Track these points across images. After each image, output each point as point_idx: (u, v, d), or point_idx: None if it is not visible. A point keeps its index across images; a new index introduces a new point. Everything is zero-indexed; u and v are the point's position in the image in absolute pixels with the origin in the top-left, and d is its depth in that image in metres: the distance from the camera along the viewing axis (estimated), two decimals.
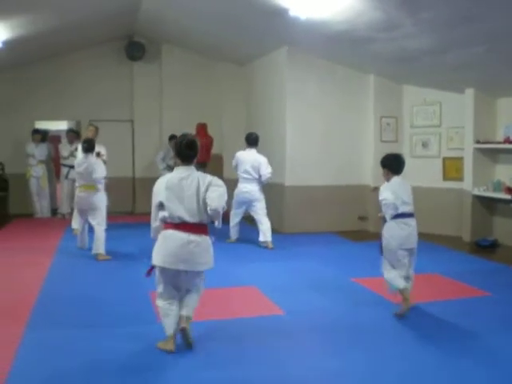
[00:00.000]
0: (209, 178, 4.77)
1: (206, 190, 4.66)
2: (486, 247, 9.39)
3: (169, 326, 4.71)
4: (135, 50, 12.92)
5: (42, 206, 12.64)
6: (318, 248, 9.26)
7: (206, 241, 4.74)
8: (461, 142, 10.15)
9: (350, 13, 7.81)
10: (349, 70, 10.89)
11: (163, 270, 4.68)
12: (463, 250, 9.27)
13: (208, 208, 4.58)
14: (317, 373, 4.33)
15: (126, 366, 4.36)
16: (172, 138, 11.60)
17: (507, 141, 9.24)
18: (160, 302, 4.78)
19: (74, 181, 12.26)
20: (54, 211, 12.97)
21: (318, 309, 5.94)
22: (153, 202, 4.75)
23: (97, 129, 11.06)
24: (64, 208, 12.57)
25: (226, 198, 4.71)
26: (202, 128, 12.07)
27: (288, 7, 7.97)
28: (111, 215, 12.64)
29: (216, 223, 4.77)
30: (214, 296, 6.35)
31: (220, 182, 4.78)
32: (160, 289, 4.77)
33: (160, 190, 4.69)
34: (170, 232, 4.63)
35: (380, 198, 5.77)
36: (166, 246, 4.63)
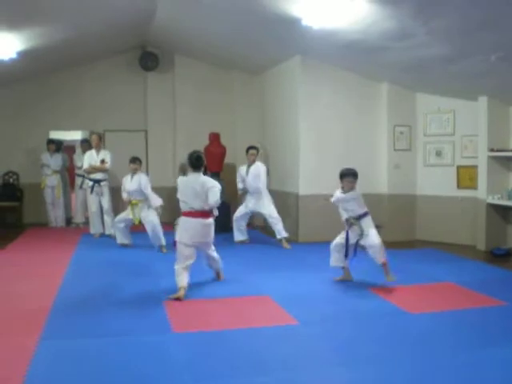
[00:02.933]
0: (209, 182, 6.79)
1: (207, 190, 6.69)
2: (500, 256, 9.33)
3: (181, 281, 6.63)
4: (149, 61, 13.01)
5: (56, 216, 12.71)
6: None
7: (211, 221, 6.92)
8: (475, 150, 10.12)
9: (363, 22, 7.81)
10: (362, 79, 10.88)
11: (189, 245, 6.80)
12: (478, 258, 9.22)
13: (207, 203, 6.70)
14: (327, 382, 4.32)
15: (139, 376, 4.36)
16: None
17: None
18: (177, 266, 6.73)
19: (87, 190, 12.41)
20: (69, 221, 13.03)
21: (333, 319, 5.91)
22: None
23: (99, 136, 11.30)
24: (78, 217, 12.64)
25: (219, 195, 6.74)
26: (215, 138, 12.12)
27: (300, 17, 7.98)
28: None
29: (214, 212, 6.94)
30: (228, 305, 6.37)
31: (216, 183, 6.80)
32: (179, 258, 6.77)
33: (179, 188, 6.90)
34: (186, 218, 6.80)
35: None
36: (187, 228, 6.78)
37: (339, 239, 7.40)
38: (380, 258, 7.08)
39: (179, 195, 6.86)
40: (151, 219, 9.55)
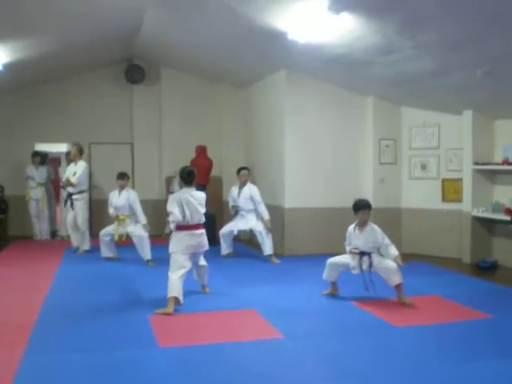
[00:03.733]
0: (199, 195, 7.04)
1: (199, 203, 6.95)
2: (486, 269, 9.37)
3: (173, 290, 6.62)
4: (135, 73, 13.00)
5: (41, 229, 12.64)
6: (318, 270, 9.16)
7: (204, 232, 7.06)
8: (459, 163, 10.18)
9: (349, 37, 7.85)
10: (348, 93, 10.93)
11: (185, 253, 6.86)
12: (463, 271, 9.25)
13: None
14: None
15: None
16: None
17: (506, 162, 9.26)
18: (172, 275, 6.74)
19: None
20: (54, 234, 12.96)
21: (319, 333, 5.90)
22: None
23: (78, 148, 10.97)
24: (63, 230, 12.56)
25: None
26: (201, 151, 12.11)
27: (286, 31, 8.02)
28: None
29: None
30: (213, 319, 6.35)
31: (203, 196, 7.11)
32: (174, 266, 6.79)
33: (180, 203, 6.83)
34: (184, 232, 6.87)
35: None
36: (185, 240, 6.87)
37: (341, 260, 7.40)
38: (394, 280, 6.96)
39: (178, 209, 6.76)
40: (139, 233, 9.53)
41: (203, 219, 6.97)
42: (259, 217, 10.09)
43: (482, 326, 6.15)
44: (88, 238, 10.85)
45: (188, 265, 6.88)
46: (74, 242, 10.91)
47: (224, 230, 10.42)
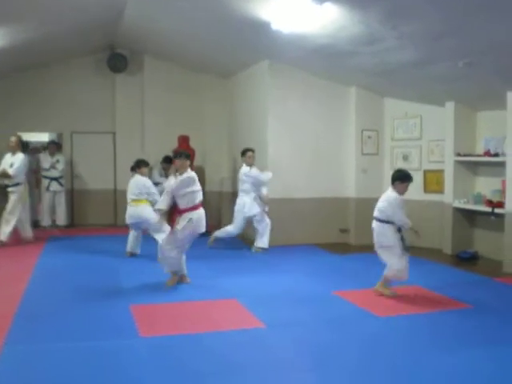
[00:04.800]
0: None
1: None
2: (466, 259, 9.43)
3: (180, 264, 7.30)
4: (117, 62, 12.88)
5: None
6: (300, 260, 9.26)
7: None
8: (441, 154, 10.22)
9: (332, 27, 7.84)
10: (331, 83, 10.94)
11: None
12: (444, 262, 9.31)
13: None
14: None
15: (104, 381, 4.32)
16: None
17: (487, 154, 9.31)
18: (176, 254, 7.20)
19: (55, 193, 12.26)
20: (35, 223, 12.84)
21: (299, 322, 5.93)
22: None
23: (18, 139, 10.59)
24: (45, 220, 12.47)
25: None
26: (184, 140, 12.06)
27: (270, 21, 8.00)
28: (93, 227, 12.65)
29: None
30: (195, 309, 6.36)
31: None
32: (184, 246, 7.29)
33: (195, 182, 7.22)
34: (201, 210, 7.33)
35: None
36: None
37: None
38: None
39: (195, 188, 7.20)
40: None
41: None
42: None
43: (462, 316, 6.20)
44: (10, 229, 10.27)
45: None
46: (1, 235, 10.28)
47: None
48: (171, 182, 7.31)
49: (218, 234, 10.19)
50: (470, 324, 5.91)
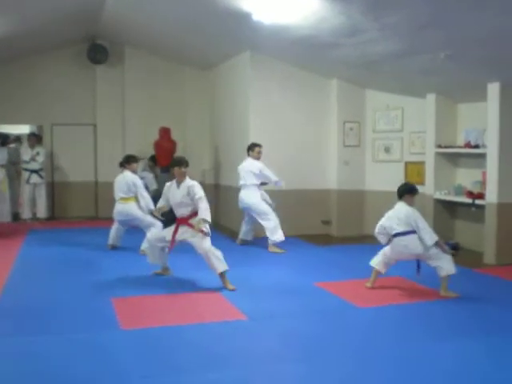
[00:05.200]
0: None
1: None
2: None
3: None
4: (98, 53, 12.79)
5: (2, 211, 12.41)
6: (284, 253, 9.26)
7: None
8: (422, 146, 10.25)
9: (313, 18, 7.82)
10: (312, 75, 10.93)
11: None
12: None
13: None
14: (279, 378, 4.33)
15: (85, 374, 4.30)
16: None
17: (468, 145, 9.35)
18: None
19: (35, 185, 12.17)
20: (16, 216, 12.74)
21: (281, 314, 5.93)
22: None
23: None
24: (26, 213, 12.38)
25: None
26: (165, 132, 12.03)
27: (251, 12, 7.97)
28: (74, 220, 12.59)
29: None
30: (177, 301, 6.35)
31: None
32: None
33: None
34: None
35: None
36: None
37: None
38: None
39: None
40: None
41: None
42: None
43: (443, 306, 6.25)
44: None
45: None
46: None
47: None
48: (174, 192, 7.12)
49: (272, 236, 9.54)
50: (450, 315, 5.96)
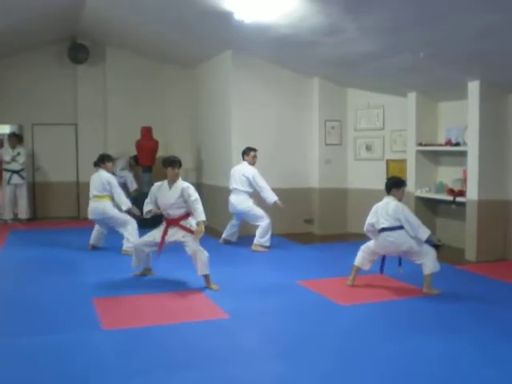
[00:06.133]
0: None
1: None
2: None
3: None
4: (79, 53, 12.72)
5: None
6: (265, 252, 9.27)
7: None
8: (404, 144, 10.31)
9: (294, 17, 7.84)
10: (294, 74, 10.94)
11: None
12: None
13: None
14: (261, 376, 4.33)
15: (68, 374, 4.28)
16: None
17: (448, 143, 9.41)
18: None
19: (16, 186, 12.09)
20: None
21: (264, 312, 5.94)
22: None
23: None
24: (6, 214, 12.29)
25: None
26: (147, 132, 11.99)
27: (232, 10, 7.96)
28: (55, 220, 12.51)
29: None
30: (158, 301, 6.33)
31: None
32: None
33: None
34: None
35: None
36: None
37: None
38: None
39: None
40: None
41: None
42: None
43: (425, 303, 6.28)
44: None
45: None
46: None
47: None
48: (165, 193, 7.00)
49: (261, 238, 9.47)
50: (432, 311, 5.99)
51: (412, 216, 6.80)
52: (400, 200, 6.89)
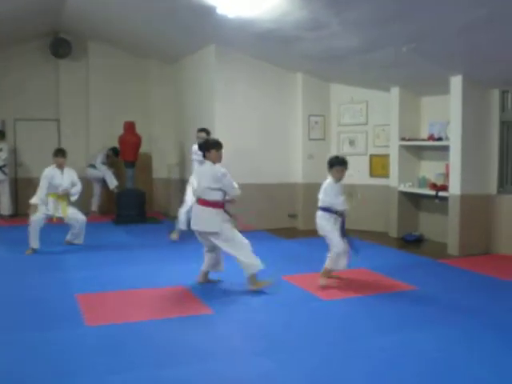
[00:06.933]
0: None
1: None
2: (412, 242, 9.61)
3: None
4: (61, 47, 12.65)
5: None
6: None
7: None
8: (387, 139, 10.35)
9: (277, 12, 7.83)
10: (277, 69, 10.93)
11: None
12: (390, 245, 9.45)
13: None
14: (246, 372, 4.33)
15: (52, 370, 4.26)
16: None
17: (431, 138, 9.45)
18: None
19: None
20: None
21: (247, 307, 5.95)
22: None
23: None
24: None
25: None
26: (129, 126, 11.93)
27: (215, 5, 7.94)
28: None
29: None
30: (142, 296, 6.31)
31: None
32: None
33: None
34: None
35: None
36: None
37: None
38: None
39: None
40: (82, 217, 9.16)
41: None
42: None
43: (407, 297, 6.31)
44: None
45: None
46: None
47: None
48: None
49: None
50: (414, 305, 6.01)
51: (332, 196, 6.73)
52: (336, 179, 6.84)
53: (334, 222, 6.74)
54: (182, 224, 9.30)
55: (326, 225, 6.73)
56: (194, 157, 9.34)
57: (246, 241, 6.53)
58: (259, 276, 6.52)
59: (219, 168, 6.56)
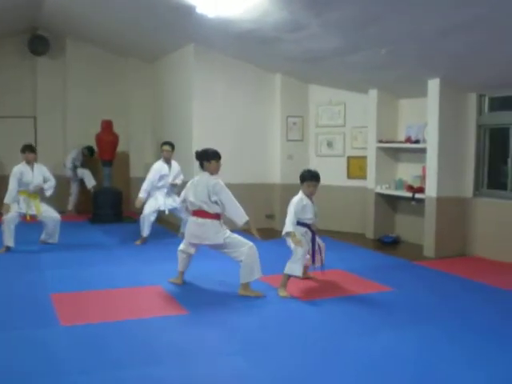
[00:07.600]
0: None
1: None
2: (388, 243, 9.65)
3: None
4: (39, 45, 12.57)
5: None
6: None
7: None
8: (364, 141, 10.39)
9: (256, 12, 7.83)
10: (256, 69, 10.93)
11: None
12: (367, 246, 9.48)
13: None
14: (220, 372, 4.32)
15: (24, 371, 4.21)
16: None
17: (408, 140, 9.50)
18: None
19: None
20: None
21: (223, 307, 5.93)
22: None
23: None
24: None
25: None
26: (107, 125, 11.86)
27: (195, 4, 7.92)
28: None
29: None
30: (117, 296, 6.29)
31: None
32: None
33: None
34: None
35: None
36: None
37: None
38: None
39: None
40: (56, 215, 9.09)
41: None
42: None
43: (384, 298, 6.34)
44: None
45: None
46: None
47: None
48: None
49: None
50: (391, 306, 6.05)
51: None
52: (306, 194, 7.07)
53: (303, 234, 6.76)
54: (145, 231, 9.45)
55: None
56: (156, 182, 9.69)
57: (250, 244, 6.68)
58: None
59: (218, 180, 6.76)
